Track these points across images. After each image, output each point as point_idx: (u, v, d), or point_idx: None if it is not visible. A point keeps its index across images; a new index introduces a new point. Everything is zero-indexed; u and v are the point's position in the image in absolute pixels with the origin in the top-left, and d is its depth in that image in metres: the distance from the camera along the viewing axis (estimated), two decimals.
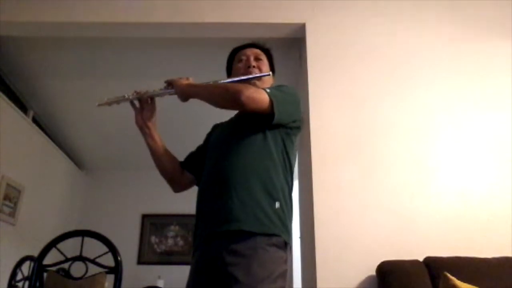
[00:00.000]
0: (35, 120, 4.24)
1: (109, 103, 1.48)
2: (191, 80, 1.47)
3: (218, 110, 1.40)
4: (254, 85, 1.44)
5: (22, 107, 3.99)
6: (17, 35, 3.00)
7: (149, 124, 1.49)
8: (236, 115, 1.53)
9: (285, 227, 1.29)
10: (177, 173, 1.54)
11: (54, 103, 4.16)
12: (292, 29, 2.79)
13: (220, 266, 1.20)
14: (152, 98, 1.51)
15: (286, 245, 1.27)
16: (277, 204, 1.28)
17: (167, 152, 1.53)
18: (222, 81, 1.48)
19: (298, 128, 1.46)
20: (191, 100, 1.46)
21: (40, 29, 2.87)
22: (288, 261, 1.25)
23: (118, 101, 1.48)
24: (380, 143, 2.44)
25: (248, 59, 1.55)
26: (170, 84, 1.48)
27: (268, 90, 1.32)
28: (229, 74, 1.62)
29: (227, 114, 1.56)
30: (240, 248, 1.19)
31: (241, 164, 1.31)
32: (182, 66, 3.47)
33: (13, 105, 3.69)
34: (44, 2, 2.79)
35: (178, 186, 1.58)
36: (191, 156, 1.60)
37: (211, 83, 1.45)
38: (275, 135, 1.37)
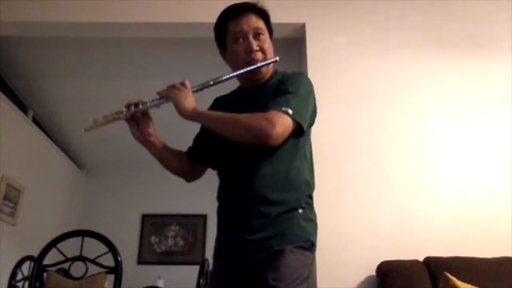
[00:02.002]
0: (35, 120, 4.24)
1: (97, 126, 1.33)
2: (188, 86, 1.29)
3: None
4: (260, 73, 1.34)
5: (22, 107, 3.99)
6: (17, 35, 3.00)
7: (149, 137, 1.34)
8: (247, 103, 1.35)
9: (312, 228, 1.26)
10: (188, 169, 1.45)
11: (54, 103, 4.16)
12: (292, 29, 2.79)
13: (248, 271, 1.17)
14: (145, 112, 1.33)
15: (313, 246, 1.24)
16: (300, 211, 1.24)
17: (173, 154, 1.43)
18: (225, 77, 1.32)
19: (314, 120, 1.38)
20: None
21: (40, 29, 2.87)
22: (312, 262, 1.23)
23: (107, 122, 1.31)
24: (380, 143, 2.44)
25: (246, 39, 1.32)
26: (165, 97, 1.29)
27: (290, 112, 1.19)
28: (221, 47, 1.42)
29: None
30: (267, 253, 1.16)
31: (261, 176, 1.22)
32: (182, 66, 3.47)
33: (13, 105, 3.69)
34: (44, 2, 2.79)
35: (190, 178, 1.48)
36: (197, 145, 1.47)
37: (211, 82, 1.31)
38: (294, 138, 1.27)
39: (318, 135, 2.47)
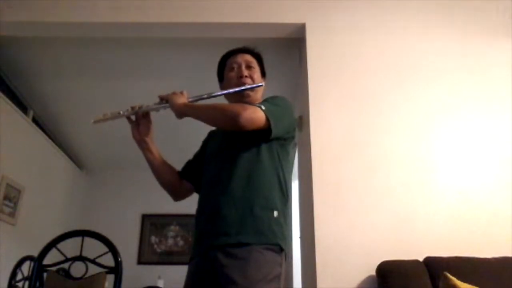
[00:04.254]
0: (35, 120, 4.23)
1: (105, 120, 1.50)
2: (185, 94, 1.47)
3: None
4: (248, 96, 1.50)
5: (22, 107, 3.99)
6: (17, 35, 3.00)
7: (146, 139, 1.51)
8: None
9: (283, 235, 1.33)
10: (176, 184, 1.58)
11: (54, 103, 4.15)
12: (292, 29, 2.79)
13: (216, 268, 1.24)
14: (147, 113, 1.52)
15: (282, 251, 1.30)
16: (275, 213, 1.32)
17: (165, 164, 1.56)
18: (217, 93, 1.50)
19: (293, 137, 1.49)
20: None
21: (40, 29, 2.87)
22: (283, 265, 1.29)
23: (113, 117, 1.49)
24: (380, 143, 2.44)
25: (239, 68, 1.54)
26: (165, 99, 1.48)
27: (263, 107, 1.34)
28: (221, 80, 1.63)
29: None
30: (235, 252, 1.23)
31: (239, 178, 1.34)
32: (181, 66, 3.47)
33: (13, 105, 3.69)
34: (44, 2, 2.79)
35: (177, 195, 1.62)
36: (189, 165, 1.62)
37: (205, 96, 1.48)
38: (271, 147, 1.40)
39: (318, 135, 2.49)
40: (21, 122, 3.88)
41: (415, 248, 2.15)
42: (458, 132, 2.47)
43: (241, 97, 1.51)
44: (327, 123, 2.49)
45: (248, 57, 1.58)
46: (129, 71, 3.59)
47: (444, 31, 2.71)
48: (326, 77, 2.59)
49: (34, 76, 3.72)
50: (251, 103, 1.48)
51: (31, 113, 4.15)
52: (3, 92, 3.56)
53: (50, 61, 3.51)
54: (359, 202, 2.31)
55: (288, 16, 2.77)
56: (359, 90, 2.56)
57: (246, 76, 1.53)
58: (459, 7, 2.76)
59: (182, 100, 1.45)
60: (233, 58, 1.58)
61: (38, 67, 3.58)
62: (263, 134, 1.35)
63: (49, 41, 3.23)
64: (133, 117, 1.52)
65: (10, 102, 3.63)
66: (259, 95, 1.55)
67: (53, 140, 4.57)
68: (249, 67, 1.56)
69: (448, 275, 1.78)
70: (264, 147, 1.38)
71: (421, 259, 2.07)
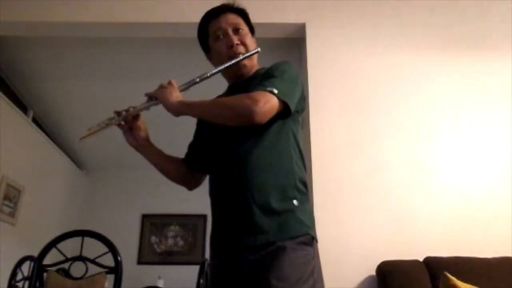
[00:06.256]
0: (35, 120, 4.24)
1: (92, 134, 1.31)
2: (174, 84, 1.30)
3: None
4: (245, 66, 1.34)
5: (22, 107, 3.99)
6: (17, 35, 3.00)
7: (143, 142, 1.36)
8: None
9: (310, 221, 1.21)
10: (187, 176, 1.45)
11: (54, 103, 4.16)
12: (292, 29, 2.79)
13: (246, 270, 1.14)
14: (136, 115, 1.35)
15: (313, 240, 1.20)
16: (295, 202, 1.18)
17: (169, 161, 1.43)
18: (210, 73, 1.34)
19: (304, 107, 1.35)
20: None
21: (40, 29, 2.87)
22: (316, 255, 1.19)
23: (100, 129, 1.30)
24: (380, 143, 2.44)
25: (227, 36, 1.34)
26: (153, 97, 1.31)
27: (275, 91, 1.17)
28: (206, 51, 1.46)
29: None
30: (266, 252, 1.12)
31: (252, 164, 1.19)
32: (182, 66, 3.46)
33: (13, 105, 3.69)
34: (44, 2, 2.79)
35: (191, 185, 1.48)
36: (193, 151, 1.47)
37: (197, 79, 1.32)
38: (283, 124, 1.25)
39: (318, 135, 2.49)
40: (21, 122, 3.88)
41: (415, 248, 2.15)
42: (458, 132, 2.48)
43: (238, 69, 1.35)
44: (327, 123, 2.49)
45: (232, 18, 1.37)
46: (129, 71, 3.59)
47: (445, 31, 2.71)
48: (326, 77, 2.59)
49: (34, 76, 3.72)
50: (248, 73, 1.36)
51: (31, 113, 4.15)
52: (3, 92, 3.56)
53: (50, 61, 3.51)
54: (359, 203, 2.31)
55: (288, 16, 2.77)
56: (359, 90, 2.56)
57: (237, 44, 1.33)
58: (459, 7, 2.76)
59: (175, 95, 1.27)
60: (216, 23, 1.37)
61: (38, 67, 3.58)
62: (278, 116, 1.20)
63: (49, 41, 3.23)
64: (123, 122, 1.35)
65: (10, 102, 3.63)
66: (255, 61, 1.39)
67: (53, 140, 4.57)
68: (236, 30, 1.35)
69: (448, 275, 1.78)
70: (275, 125, 1.22)
71: (421, 259, 2.07)
